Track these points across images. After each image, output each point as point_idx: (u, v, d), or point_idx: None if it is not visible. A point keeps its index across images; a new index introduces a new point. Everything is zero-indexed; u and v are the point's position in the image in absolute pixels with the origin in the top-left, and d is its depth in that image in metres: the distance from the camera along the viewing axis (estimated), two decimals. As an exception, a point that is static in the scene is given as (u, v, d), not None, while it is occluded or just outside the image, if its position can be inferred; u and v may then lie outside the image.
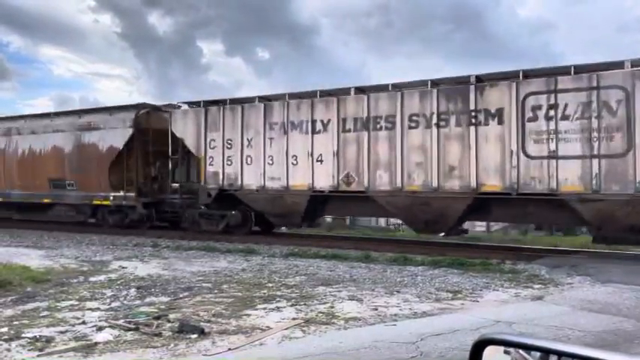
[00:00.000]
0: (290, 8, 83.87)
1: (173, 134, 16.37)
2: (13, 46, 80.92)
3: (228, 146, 15.14)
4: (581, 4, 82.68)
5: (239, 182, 15.02)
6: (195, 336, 5.41)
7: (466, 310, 6.85)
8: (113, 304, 6.99)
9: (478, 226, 13.63)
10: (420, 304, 7.12)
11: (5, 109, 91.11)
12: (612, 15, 79.81)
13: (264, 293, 7.74)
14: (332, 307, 6.80)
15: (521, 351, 1.49)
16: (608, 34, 73.75)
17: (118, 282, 8.65)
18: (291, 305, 6.93)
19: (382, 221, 21.51)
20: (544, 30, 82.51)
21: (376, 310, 6.73)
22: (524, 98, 11.47)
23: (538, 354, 1.46)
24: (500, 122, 11.67)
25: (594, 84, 10.83)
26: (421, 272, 9.76)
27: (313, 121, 13.92)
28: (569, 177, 11.01)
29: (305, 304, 6.96)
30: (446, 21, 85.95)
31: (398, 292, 7.93)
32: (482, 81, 12.26)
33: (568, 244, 14.31)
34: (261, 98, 15.25)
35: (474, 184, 11.92)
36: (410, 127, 12.68)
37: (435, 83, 12.79)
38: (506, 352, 1.49)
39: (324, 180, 13.78)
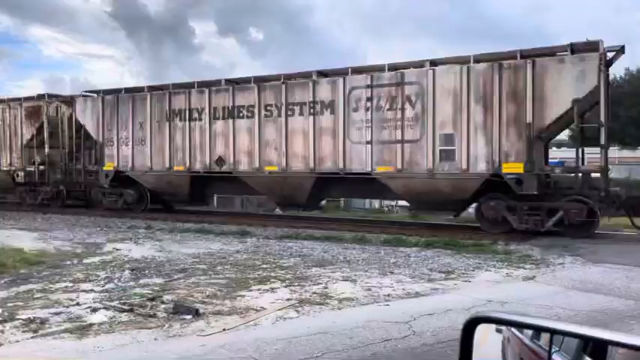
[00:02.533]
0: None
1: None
2: (2, 27, 79.80)
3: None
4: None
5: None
6: (189, 317, 5.44)
7: (459, 290, 6.91)
8: (107, 286, 7.00)
9: (471, 209, 13.72)
10: (413, 284, 7.18)
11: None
12: (607, -5, 79.37)
13: (259, 274, 7.77)
14: (326, 288, 6.85)
15: (513, 329, 1.50)
16: (604, 15, 73.48)
17: (112, 264, 8.65)
18: (286, 286, 6.97)
19: (376, 203, 21.63)
20: (539, 11, 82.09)
21: (369, 290, 6.78)
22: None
23: (530, 332, 1.47)
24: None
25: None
26: (414, 253, 9.83)
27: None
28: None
29: (299, 285, 7.00)
30: (440, 1, 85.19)
31: (391, 272, 7.98)
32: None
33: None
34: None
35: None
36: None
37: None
38: (497, 331, 1.50)
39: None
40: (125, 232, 13.24)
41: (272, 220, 15.55)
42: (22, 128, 20.03)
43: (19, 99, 20.62)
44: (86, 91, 19.25)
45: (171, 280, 7.38)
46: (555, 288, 6.99)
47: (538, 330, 1.39)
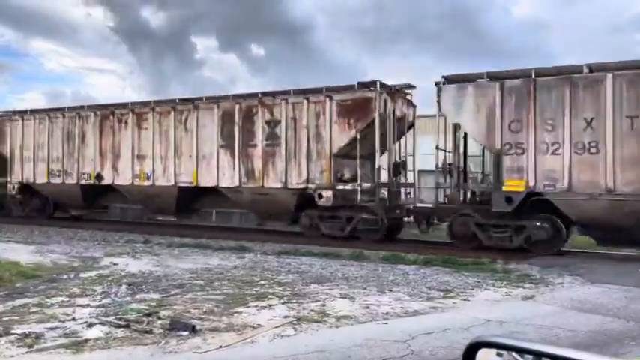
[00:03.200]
0: (285, 5, 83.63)
1: None
2: (4, 40, 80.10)
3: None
4: (576, 4, 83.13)
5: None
6: (186, 333, 5.39)
7: (458, 308, 6.87)
8: (104, 301, 6.95)
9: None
10: (411, 302, 7.13)
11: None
12: (606, 16, 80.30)
13: (256, 291, 7.73)
14: (324, 305, 6.80)
15: (514, 354, 1.49)
16: (602, 34, 74.18)
17: (109, 278, 8.60)
18: (283, 303, 6.92)
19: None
20: (538, 30, 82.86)
21: (368, 308, 6.74)
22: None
23: (531, 357, 1.46)
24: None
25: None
26: (413, 271, 9.79)
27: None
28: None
29: (297, 302, 6.96)
30: (440, 19, 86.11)
31: (390, 290, 7.94)
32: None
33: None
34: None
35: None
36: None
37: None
38: (499, 355, 1.49)
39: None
40: (123, 245, 13.18)
41: (270, 235, 15.50)
42: None
43: None
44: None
45: (168, 296, 7.33)
46: (554, 308, 6.96)
47: (539, 355, 1.38)
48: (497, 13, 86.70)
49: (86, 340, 5.17)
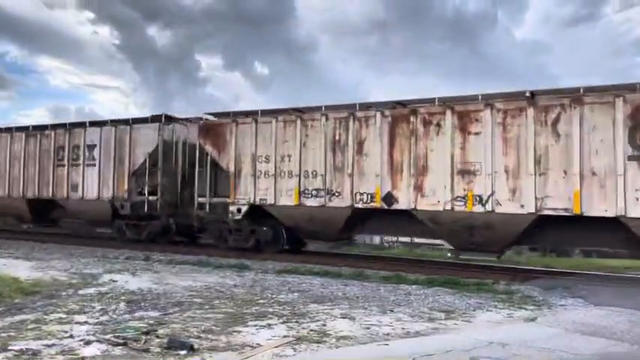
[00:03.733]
0: (289, 24, 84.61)
1: None
2: (10, 56, 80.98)
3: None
4: (578, 27, 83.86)
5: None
6: (184, 352, 5.33)
7: (459, 330, 6.80)
8: (102, 318, 6.89)
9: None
10: (413, 323, 7.06)
11: (1, 120, 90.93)
12: (608, 39, 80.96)
13: (256, 310, 7.66)
14: (324, 325, 6.73)
15: None
16: (603, 57, 74.73)
17: (108, 295, 8.54)
18: (283, 322, 6.85)
19: (377, 239, 21.59)
20: (540, 52, 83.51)
21: (369, 329, 6.66)
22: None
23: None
24: None
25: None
26: (415, 291, 9.71)
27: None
28: None
29: (297, 322, 6.89)
30: (443, 40, 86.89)
31: (391, 310, 7.86)
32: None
33: (562, 265, 14.31)
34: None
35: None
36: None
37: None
38: None
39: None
40: (123, 262, 13.12)
41: (271, 254, 15.42)
42: None
43: None
44: None
45: (167, 314, 7.27)
46: (557, 330, 6.87)
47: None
48: (500, 34, 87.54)
49: (83, 358, 5.11)
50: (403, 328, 6.74)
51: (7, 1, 72.13)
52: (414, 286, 10.24)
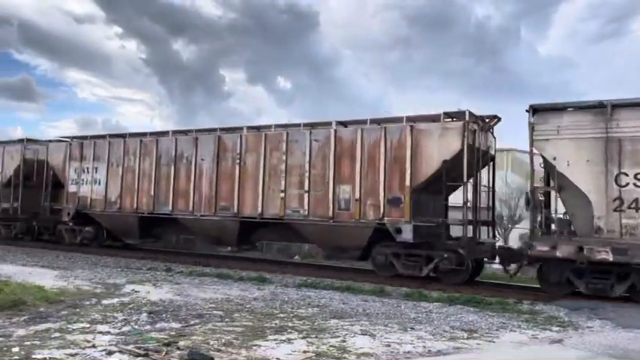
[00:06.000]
0: (312, 39, 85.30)
1: None
2: (41, 69, 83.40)
3: None
4: (602, 43, 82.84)
5: None
6: (204, 365, 5.33)
7: (482, 350, 6.66)
8: (124, 329, 6.95)
9: (495, 264, 13.41)
10: (434, 342, 6.95)
11: (31, 131, 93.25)
12: (633, 54, 79.71)
13: (276, 324, 7.64)
14: (344, 342, 6.68)
15: None
16: (628, 73, 73.52)
17: (130, 306, 8.63)
18: (303, 337, 6.82)
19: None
20: (565, 68, 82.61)
21: (389, 346, 6.58)
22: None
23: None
24: None
25: None
26: (436, 309, 9.57)
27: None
28: None
29: (316, 337, 6.85)
30: (466, 56, 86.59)
31: (412, 328, 7.76)
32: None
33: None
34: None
35: None
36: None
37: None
38: None
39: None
40: (145, 273, 13.26)
41: (291, 267, 15.42)
42: None
43: None
44: None
45: (188, 326, 7.30)
46: (584, 353, 6.68)
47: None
48: (524, 50, 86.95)
49: (105, 368, 5.15)
50: (424, 347, 6.64)
51: (39, 17, 74.55)
52: (435, 304, 10.10)
